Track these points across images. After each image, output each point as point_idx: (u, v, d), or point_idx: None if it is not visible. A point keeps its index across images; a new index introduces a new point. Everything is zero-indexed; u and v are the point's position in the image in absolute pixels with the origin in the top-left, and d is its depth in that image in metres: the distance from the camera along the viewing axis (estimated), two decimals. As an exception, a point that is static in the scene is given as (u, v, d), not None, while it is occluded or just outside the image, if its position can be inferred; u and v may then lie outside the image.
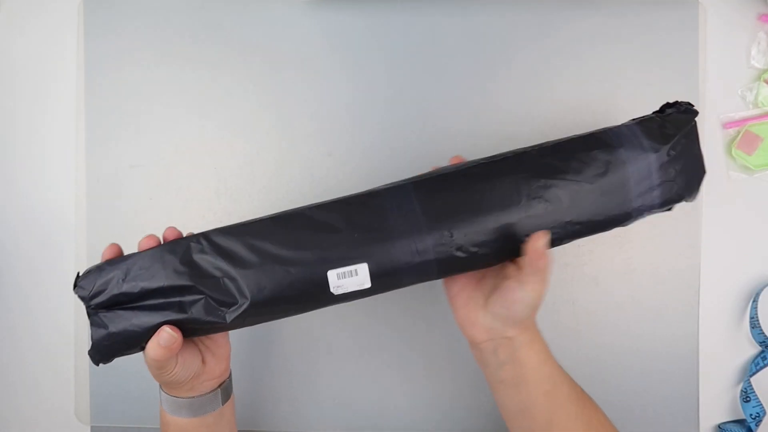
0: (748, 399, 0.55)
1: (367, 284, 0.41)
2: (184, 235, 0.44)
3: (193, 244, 0.41)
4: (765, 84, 0.56)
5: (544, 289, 0.42)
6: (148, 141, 0.59)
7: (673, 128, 0.44)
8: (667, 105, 0.47)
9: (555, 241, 0.43)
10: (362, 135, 0.58)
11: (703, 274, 0.56)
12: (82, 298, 0.41)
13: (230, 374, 0.50)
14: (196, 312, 0.41)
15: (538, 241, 0.40)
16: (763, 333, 0.55)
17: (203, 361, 0.46)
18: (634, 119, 0.46)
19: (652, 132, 0.44)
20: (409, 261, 0.41)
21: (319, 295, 0.41)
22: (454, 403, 0.57)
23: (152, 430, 0.59)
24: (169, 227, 0.45)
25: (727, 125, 0.57)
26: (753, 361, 0.56)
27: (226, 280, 0.41)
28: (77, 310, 0.59)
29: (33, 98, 0.60)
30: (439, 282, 0.56)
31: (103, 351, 0.42)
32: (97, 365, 0.43)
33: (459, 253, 0.41)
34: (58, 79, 0.60)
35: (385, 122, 0.57)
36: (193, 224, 0.58)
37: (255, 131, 0.58)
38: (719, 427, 0.57)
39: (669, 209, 0.46)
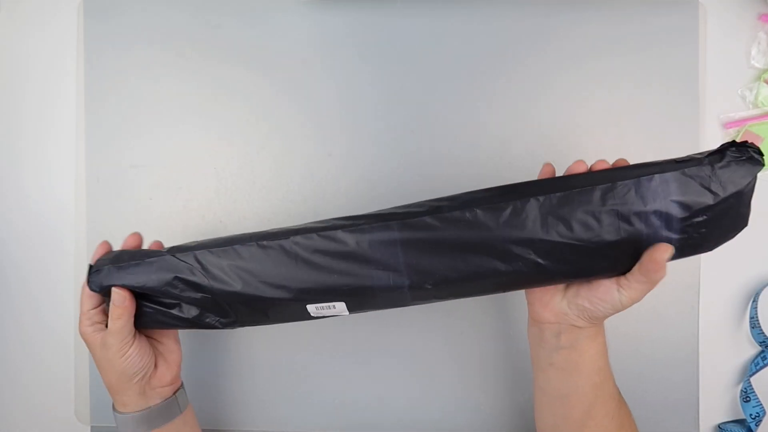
0: (748, 399, 0.55)
1: (345, 313, 0.42)
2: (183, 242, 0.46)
3: (183, 264, 0.43)
4: (765, 84, 0.56)
5: (640, 299, 0.40)
6: (148, 141, 0.59)
7: (720, 187, 0.36)
8: (731, 144, 0.37)
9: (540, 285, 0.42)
10: (362, 135, 0.58)
11: (703, 274, 0.56)
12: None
13: (182, 383, 0.50)
14: (187, 312, 0.44)
15: (663, 253, 0.37)
16: (763, 333, 0.55)
17: (155, 365, 0.47)
18: (677, 161, 0.38)
19: (689, 189, 0.36)
20: (386, 300, 0.41)
21: (300, 317, 0.43)
22: (454, 403, 0.57)
23: (152, 430, 0.59)
24: (155, 242, 0.49)
25: (727, 125, 0.57)
26: (753, 361, 0.56)
27: (213, 299, 0.43)
28: (77, 310, 0.59)
29: (33, 98, 0.60)
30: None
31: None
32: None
33: (435, 300, 0.42)
34: (59, 80, 0.60)
35: (384, 122, 0.57)
36: (193, 224, 0.58)
37: (255, 131, 0.58)
38: (719, 427, 0.57)
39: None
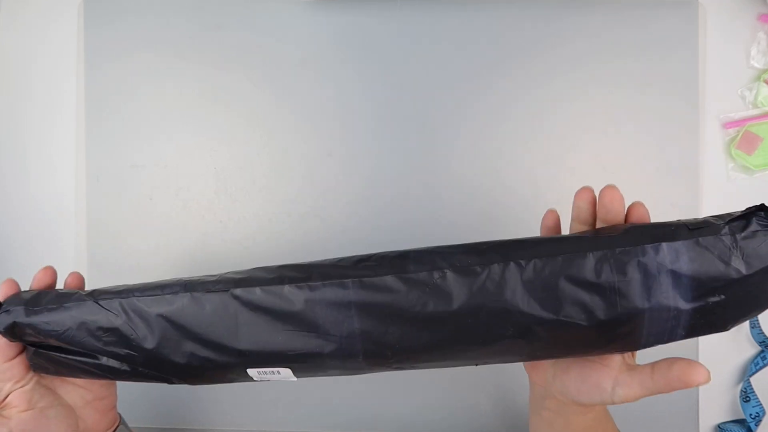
0: (747, 399, 0.55)
1: (292, 379, 0.37)
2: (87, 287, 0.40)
3: (108, 311, 0.36)
4: (765, 84, 0.56)
5: (633, 401, 0.34)
6: (148, 141, 0.59)
7: (742, 262, 0.30)
8: (759, 208, 0.31)
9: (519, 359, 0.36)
10: (362, 135, 0.58)
11: (702, 274, 0.56)
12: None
13: (121, 419, 0.46)
14: (109, 363, 0.37)
15: (700, 378, 0.32)
16: (763, 333, 0.55)
17: (77, 416, 0.41)
18: (690, 228, 0.31)
19: (705, 263, 0.30)
20: (339, 368, 0.37)
21: (240, 379, 0.38)
22: (454, 403, 0.57)
23: (152, 430, 0.59)
24: (72, 274, 0.42)
25: (726, 125, 0.57)
26: (753, 360, 0.56)
27: (140, 356, 0.37)
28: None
29: (33, 98, 0.60)
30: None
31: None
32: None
33: (397, 369, 0.37)
34: (59, 79, 0.60)
35: (384, 123, 0.57)
36: (193, 224, 0.58)
37: (255, 131, 0.58)
38: (719, 427, 0.57)
39: None
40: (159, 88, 0.59)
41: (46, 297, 0.38)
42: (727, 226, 0.30)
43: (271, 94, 0.58)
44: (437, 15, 0.57)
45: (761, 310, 0.32)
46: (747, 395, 0.55)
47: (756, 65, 0.56)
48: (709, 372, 0.32)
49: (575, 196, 0.37)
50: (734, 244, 0.30)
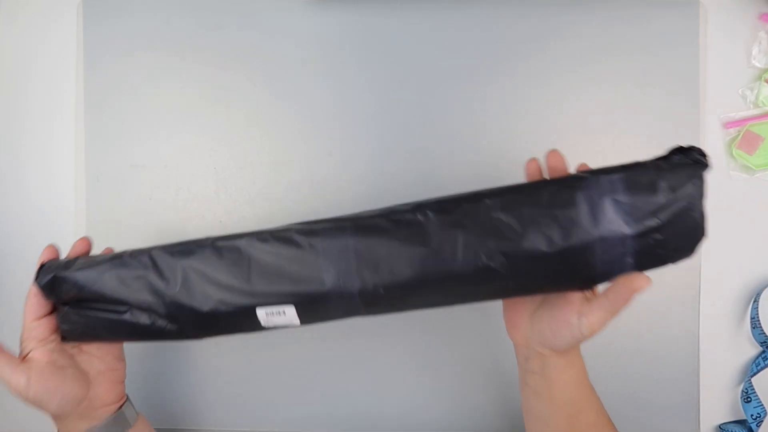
0: (749, 399, 0.55)
1: (296, 322, 0.41)
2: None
3: (137, 263, 0.42)
4: (766, 84, 0.56)
5: (600, 330, 0.38)
6: (148, 141, 0.59)
7: (668, 186, 0.36)
8: (677, 150, 0.38)
9: (494, 298, 0.42)
10: (362, 135, 0.58)
11: (703, 274, 0.56)
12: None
13: (128, 398, 0.48)
14: (137, 318, 0.42)
15: (642, 282, 0.35)
16: (764, 333, 0.55)
17: (98, 383, 0.45)
18: (623, 166, 0.38)
19: (637, 189, 0.36)
20: (337, 307, 0.40)
21: (251, 325, 0.41)
22: (454, 403, 0.57)
23: (152, 430, 0.59)
24: (82, 239, 0.46)
25: (727, 125, 0.57)
26: (754, 361, 0.56)
27: (164, 302, 0.41)
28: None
29: (33, 98, 0.60)
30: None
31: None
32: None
33: (388, 309, 0.40)
34: (58, 79, 0.60)
35: (384, 122, 0.57)
36: (193, 224, 0.58)
37: (255, 131, 0.58)
38: (720, 427, 0.57)
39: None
40: (159, 87, 0.59)
41: (81, 258, 0.43)
42: (652, 163, 0.37)
43: (271, 94, 0.58)
44: (437, 14, 0.57)
45: (695, 239, 0.38)
46: (748, 396, 0.55)
47: (757, 65, 0.56)
48: (649, 278, 0.36)
49: (526, 166, 0.44)
50: (660, 175, 0.36)
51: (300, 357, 0.58)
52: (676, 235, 0.37)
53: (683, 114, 0.56)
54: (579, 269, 0.37)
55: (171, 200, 0.58)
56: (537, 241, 0.36)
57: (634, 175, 0.37)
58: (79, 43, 0.60)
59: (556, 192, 0.37)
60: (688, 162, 0.37)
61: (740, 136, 0.56)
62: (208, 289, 0.40)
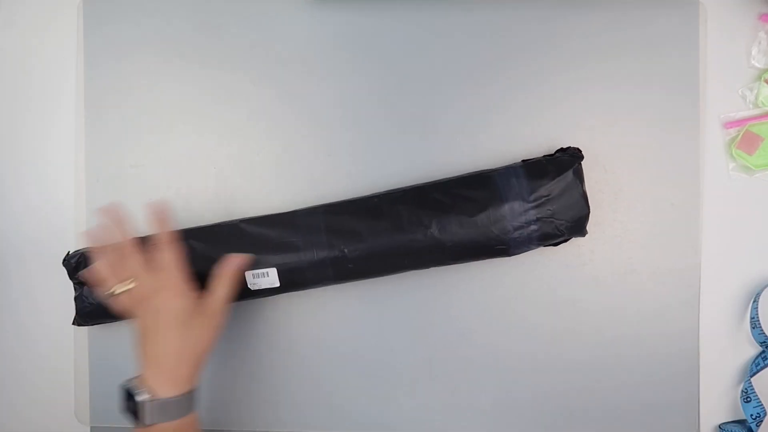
0: (748, 399, 0.55)
1: (277, 284, 0.51)
2: None
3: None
4: (765, 84, 0.56)
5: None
6: (148, 141, 0.59)
7: (554, 171, 0.50)
8: (560, 150, 0.53)
9: (437, 262, 0.52)
10: (362, 135, 0.58)
11: (703, 274, 0.56)
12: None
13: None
14: None
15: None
16: (764, 333, 0.55)
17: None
18: (524, 160, 0.52)
19: (533, 173, 0.50)
20: (310, 269, 0.51)
21: (242, 291, 0.51)
22: (454, 403, 0.57)
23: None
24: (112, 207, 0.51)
25: (727, 125, 0.57)
26: (753, 361, 0.56)
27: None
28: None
29: (33, 98, 0.60)
30: (441, 278, 0.56)
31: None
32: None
33: (349, 265, 0.50)
34: (58, 80, 0.60)
35: (384, 122, 0.57)
36: (192, 224, 0.58)
37: (255, 131, 0.58)
38: (720, 427, 0.57)
39: (555, 244, 0.52)
40: (159, 87, 0.59)
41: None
42: (543, 158, 0.52)
43: (271, 94, 0.58)
44: (437, 14, 0.57)
45: (582, 213, 0.50)
46: (748, 395, 0.55)
47: (757, 65, 0.56)
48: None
49: None
50: (547, 163, 0.51)
51: (300, 357, 0.58)
52: (565, 209, 0.50)
53: (683, 114, 0.56)
54: (496, 234, 0.49)
55: (171, 200, 0.58)
56: (464, 209, 0.49)
57: (531, 165, 0.51)
58: (79, 43, 0.60)
59: (477, 177, 0.52)
60: (568, 157, 0.51)
61: (740, 136, 0.56)
62: (208, 251, 0.52)
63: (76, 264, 0.54)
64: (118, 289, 0.47)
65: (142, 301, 0.47)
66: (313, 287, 0.53)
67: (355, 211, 0.51)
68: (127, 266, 0.48)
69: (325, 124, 0.58)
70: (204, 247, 0.52)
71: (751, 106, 0.57)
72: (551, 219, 0.49)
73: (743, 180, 0.57)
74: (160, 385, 0.45)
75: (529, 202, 0.49)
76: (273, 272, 0.51)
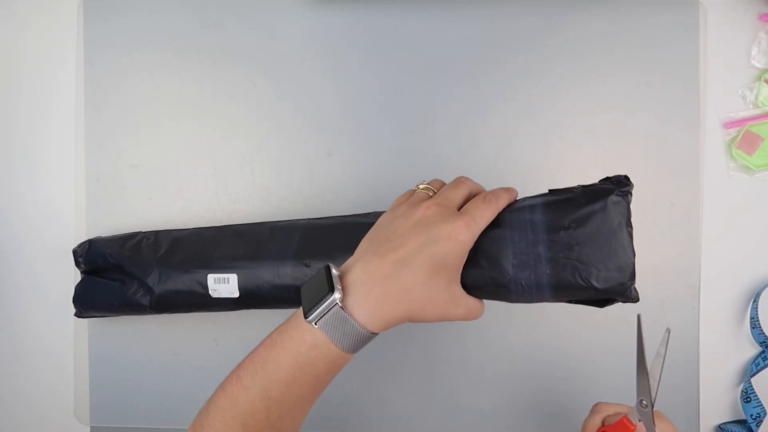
0: (748, 399, 0.55)
1: (236, 294, 0.49)
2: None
3: (147, 238, 0.54)
4: (765, 84, 0.56)
5: None
6: (148, 141, 0.59)
7: (585, 198, 0.37)
8: (604, 179, 0.39)
9: None
10: (362, 135, 0.58)
11: (703, 274, 0.56)
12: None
13: None
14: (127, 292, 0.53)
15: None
16: (764, 333, 0.55)
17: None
18: (550, 190, 0.40)
19: (551, 196, 0.38)
20: (271, 281, 0.48)
21: (204, 297, 0.50)
22: (454, 403, 0.57)
23: (152, 430, 0.59)
24: None
25: (727, 125, 0.57)
26: (753, 361, 0.56)
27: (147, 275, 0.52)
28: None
29: (32, 98, 0.60)
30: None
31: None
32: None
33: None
34: (58, 79, 0.60)
35: (384, 122, 0.57)
36: (193, 224, 0.58)
37: (255, 131, 0.58)
38: (720, 427, 0.57)
39: (592, 304, 0.40)
40: (159, 87, 0.59)
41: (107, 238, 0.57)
42: (579, 186, 0.39)
43: (271, 94, 0.58)
44: (437, 13, 0.57)
45: (617, 259, 0.36)
46: (748, 396, 0.55)
47: (757, 65, 0.56)
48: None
49: None
50: (581, 192, 0.38)
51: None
52: (595, 251, 0.36)
53: (683, 114, 0.56)
54: (495, 268, 0.38)
55: (171, 200, 0.58)
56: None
57: (557, 193, 0.39)
58: (79, 42, 0.60)
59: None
60: (610, 185, 0.38)
61: (740, 136, 0.56)
62: (180, 253, 0.52)
63: (83, 253, 0.55)
64: (422, 185, 0.42)
65: (425, 220, 0.38)
66: (276, 306, 0.49)
67: (328, 227, 0.49)
68: (451, 189, 0.41)
69: (325, 124, 0.58)
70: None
71: (751, 106, 0.57)
72: (571, 261, 0.36)
73: (743, 180, 0.57)
74: (359, 307, 0.37)
75: (538, 232, 0.37)
76: (234, 280, 0.48)
